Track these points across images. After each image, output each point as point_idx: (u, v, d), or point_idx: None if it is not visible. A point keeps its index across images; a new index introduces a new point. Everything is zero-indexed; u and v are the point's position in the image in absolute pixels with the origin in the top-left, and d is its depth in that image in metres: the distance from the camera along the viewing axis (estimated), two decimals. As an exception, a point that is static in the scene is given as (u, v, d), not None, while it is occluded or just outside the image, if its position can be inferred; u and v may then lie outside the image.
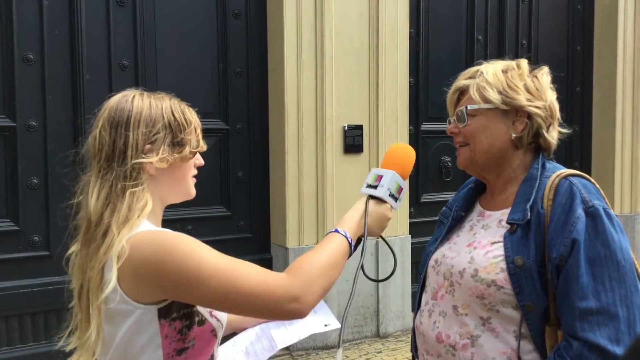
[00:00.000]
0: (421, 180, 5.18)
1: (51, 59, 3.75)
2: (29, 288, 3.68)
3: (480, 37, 5.45)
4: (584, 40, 6.10)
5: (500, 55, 5.42)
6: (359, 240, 1.46)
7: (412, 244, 4.75)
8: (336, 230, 1.37)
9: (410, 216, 4.91)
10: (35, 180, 3.72)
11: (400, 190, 1.50)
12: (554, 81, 1.54)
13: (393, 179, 1.48)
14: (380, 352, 4.39)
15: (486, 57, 5.40)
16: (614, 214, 1.37)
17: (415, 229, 4.87)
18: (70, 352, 1.29)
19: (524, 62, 1.53)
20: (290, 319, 1.23)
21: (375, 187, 1.47)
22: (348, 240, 1.36)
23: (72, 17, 3.80)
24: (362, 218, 1.42)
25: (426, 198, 5.22)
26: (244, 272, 1.20)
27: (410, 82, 4.91)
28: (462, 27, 5.37)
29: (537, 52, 5.75)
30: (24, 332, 3.71)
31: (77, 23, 3.81)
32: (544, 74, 1.51)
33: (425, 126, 5.18)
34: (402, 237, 4.70)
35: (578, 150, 6.11)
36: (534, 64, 1.55)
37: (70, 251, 1.32)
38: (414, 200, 5.11)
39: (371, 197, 1.47)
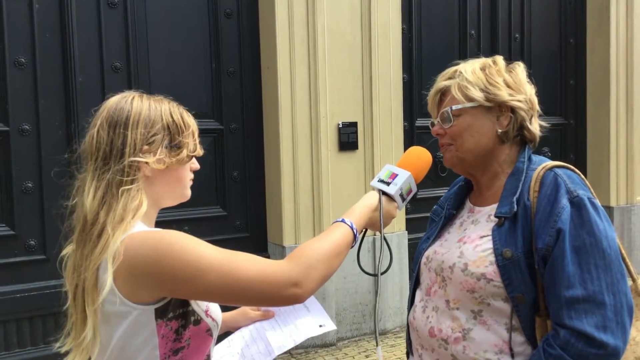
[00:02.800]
0: (417, 176, 5.17)
1: (43, 63, 3.73)
2: (26, 292, 3.67)
3: (473, 32, 5.45)
4: (577, 32, 6.11)
5: (493, 49, 5.42)
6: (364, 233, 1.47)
7: (408, 239, 4.75)
8: (342, 220, 1.38)
9: (407, 212, 4.91)
10: (29, 184, 3.71)
11: (410, 192, 1.53)
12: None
13: (407, 181, 1.51)
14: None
15: (479, 52, 5.42)
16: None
17: (411, 225, 4.87)
18: (67, 354, 1.28)
19: (499, 59, 1.54)
20: (289, 304, 1.24)
21: (388, 183, 1.49)
22: (353, 231, 1.36)
23: (63, 20, 3.79)
24: (371, 211, 1.44)
25: (422, 194, 5.21)
26: (241, 261, 1.21)
27: (403, 78, 4.91)
28: (454, 22, 5.37)
29: (530, 45, 5.73)
30: (22, 336, 3.70)
31: (68, 25, 3.79)
32: (521, 69, 1.52)
33: (420, 122, 5.18)
34: (399, 234, 4.71)
35: (573, 143, 6.11)
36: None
37: (64, 252, 1.32)
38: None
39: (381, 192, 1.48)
